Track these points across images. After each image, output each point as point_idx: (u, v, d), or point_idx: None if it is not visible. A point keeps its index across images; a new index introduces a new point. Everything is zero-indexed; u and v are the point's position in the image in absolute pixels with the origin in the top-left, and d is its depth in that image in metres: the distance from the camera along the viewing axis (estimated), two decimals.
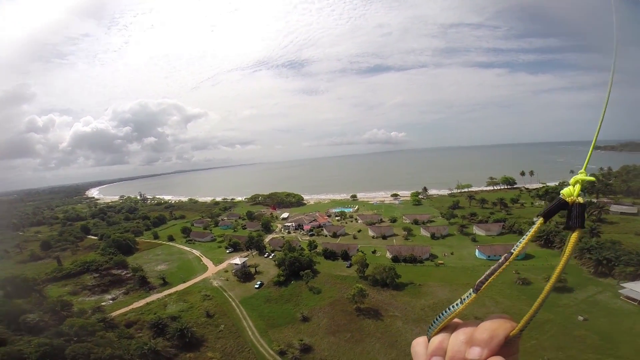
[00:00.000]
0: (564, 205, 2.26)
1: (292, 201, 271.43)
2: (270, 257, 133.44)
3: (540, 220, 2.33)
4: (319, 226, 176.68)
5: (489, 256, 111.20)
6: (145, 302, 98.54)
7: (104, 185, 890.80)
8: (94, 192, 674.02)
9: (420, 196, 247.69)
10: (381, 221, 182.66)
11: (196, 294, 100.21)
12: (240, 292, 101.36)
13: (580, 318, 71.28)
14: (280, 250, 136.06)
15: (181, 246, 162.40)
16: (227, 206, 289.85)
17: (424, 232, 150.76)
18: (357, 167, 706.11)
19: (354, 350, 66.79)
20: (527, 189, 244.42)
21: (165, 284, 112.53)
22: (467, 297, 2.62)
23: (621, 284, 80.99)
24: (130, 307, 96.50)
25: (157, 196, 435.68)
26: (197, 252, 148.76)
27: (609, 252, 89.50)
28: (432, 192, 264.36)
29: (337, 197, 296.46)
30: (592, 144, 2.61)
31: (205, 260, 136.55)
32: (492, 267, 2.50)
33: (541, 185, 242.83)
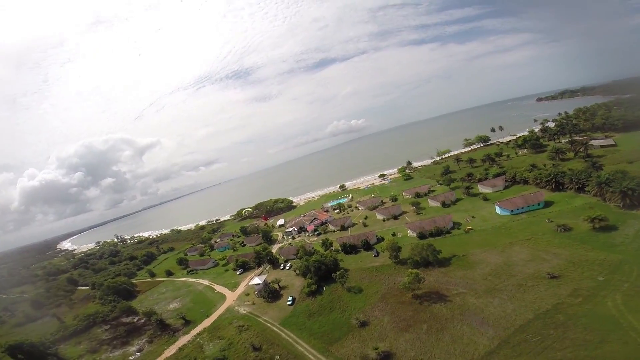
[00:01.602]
0: None
1: (282, 207, 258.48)
2: (287, 267, 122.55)
3: None
4: (323, 223, 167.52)
5: (512, 210, 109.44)
6: (177, 348, 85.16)
7: (75, 236, 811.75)
8: (66, 244, 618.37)
9: (407, 170, 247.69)
10: (383, 203, 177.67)
11: (228, 327, 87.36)
12: (276, 314, 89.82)
13: None
14: (295, 258, 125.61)
15: (185, 279, 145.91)
16: (215, 228, 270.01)
17: (432, 203, 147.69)
18: (331, 160, 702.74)
19: (442, 340, 59.23)
20: (501, 142, 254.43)
21: (187, 323, 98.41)
22: None
23: None
24: (163, 356, 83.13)
25: (136, 235, 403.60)
26: (205, 281, 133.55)
27: (629, 181, 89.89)
28: (417, 164, 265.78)
29: (325, 191, 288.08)
30: None
31: (218, 288, 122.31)
32: None
33: (512, 137, 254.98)
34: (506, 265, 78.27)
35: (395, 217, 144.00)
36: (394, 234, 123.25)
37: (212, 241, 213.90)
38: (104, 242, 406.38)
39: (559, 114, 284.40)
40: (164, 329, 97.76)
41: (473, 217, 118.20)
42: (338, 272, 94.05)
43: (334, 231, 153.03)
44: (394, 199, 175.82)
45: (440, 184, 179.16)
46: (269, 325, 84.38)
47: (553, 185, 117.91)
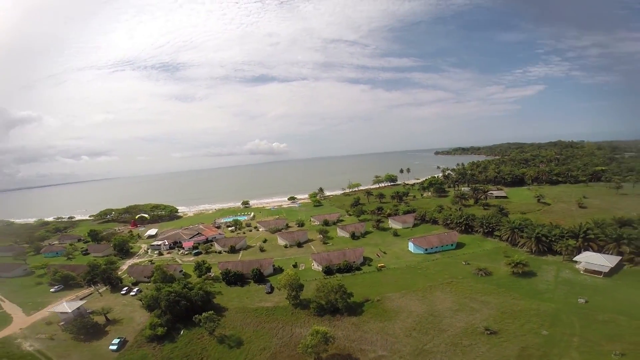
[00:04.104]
0: None
1: (162, 215, 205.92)
2: (133, 293, 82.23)
3: None
4: (207, 241, 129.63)
5: (426, 249, 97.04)
6: None
7: None
8: None
9: (319, 196, 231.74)
10: (287, 226, 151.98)
11: None
12: None
13: (582, 300, 61.65)
14: (149, 282, 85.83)
15: None
16: (62, 227, 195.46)
17: (341, 233, 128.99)
18: (242, 177, 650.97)
19: None
20: (407, 184, 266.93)
21: None
22: None
23: (574, 259, 78.02)
24: None
25: None
26: None
27: (541, 228, 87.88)
28: (328, 193, 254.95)
29: (226, 206, 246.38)
30: None
31: (8, 306, 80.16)
32: None
33: (417, 180, 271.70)
34: (431, 316, 59.69)
35: (300, 245, 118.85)
36: (295, 265, 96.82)
37: (46, 243, 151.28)
38: None
39: (457, 164, 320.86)
40: None
41: (384, 252, 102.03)
42: (204, 314, 60.22)
43: (220, 252, 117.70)
44: (301, 224, 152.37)
45: (350, 215, 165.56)
46: None
47: (463, 228, 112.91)
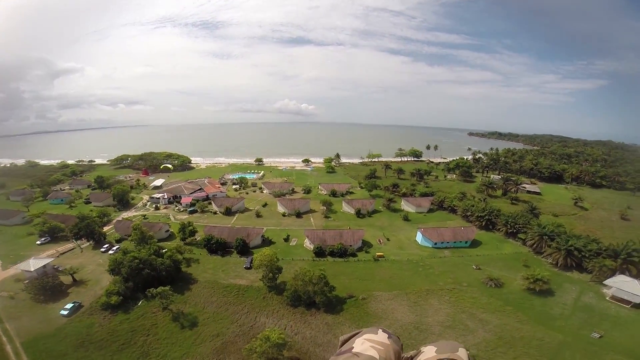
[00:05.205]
0: None
1: (175, 164, 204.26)
2: (112, 252, 79.20)
3: None
4: (206, 198, 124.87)
5: (435, 243, 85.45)
6: None
7: None
8: None
9: (333, 163, 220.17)
10: (293, 191, 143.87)
11: None
12: (34, 324, 52.10)
13: (596, 335, 51.77)
14: (129, 240, 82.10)
15: None
16: (79, 171, 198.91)
17: (346, 208, 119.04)
18: (267, 134, 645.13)
19: None
20: (432, 162, 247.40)
21: None
22: None
23: (605, 282, 64.14)
24: None
25: None
26: None
27: (575, 240, 72.96)
28: (344, 160, 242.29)
29: (240, 161, 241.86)
30: None
31: None
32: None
33: (443, 160, 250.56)
34: (416, 330, 50.90)
35: (299, 215, 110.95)
36: (286, 239, 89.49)
37: (56, 187, 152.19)
38: None
39: (491, 148, 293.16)
40: None
41: (388, 239, 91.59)
42: (159, 289, 54.47)
43: (215, 213, 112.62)
44: (307, 191, 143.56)
45: (362, 187, 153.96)
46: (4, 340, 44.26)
47: (484, 223, 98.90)
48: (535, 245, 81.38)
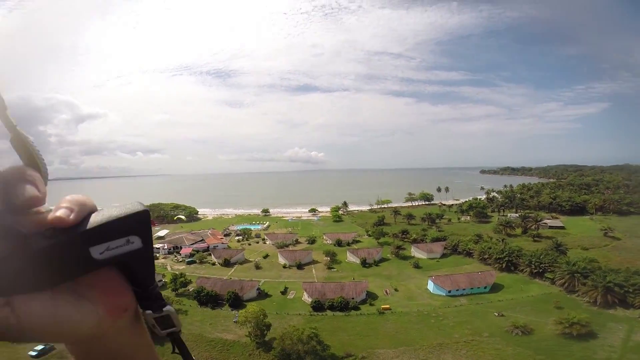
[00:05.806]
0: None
1: (183, 215, 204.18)
2: None
3: None
4: (207, 249, 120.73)
5: (449, 291, 76.13)
6: None
7: None
8: None
9: (340, 211, 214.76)
10: (297, 242, 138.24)
11: None
12: None
13: None
14: None
15: None
16: None
17: (351, 258, 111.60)
18: (276, 183, 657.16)
19: None
20: (443, 204, 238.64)
21: None
22: None
23: None
24: None
25: None
26: None
27: (614, 275, 63.43)
28: (352, 208, 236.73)
29: (247, 212, 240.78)
30: None
31: None
32: None
33: (456, 201, 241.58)
34: None
35: (300, 266, 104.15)
36: (284, 291, 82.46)
37: None
38: None
39: (505, 185, 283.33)
40: None
41: (395, 289, 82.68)
42: None
43: (213, 264, 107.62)
44: (311, 241, 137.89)
45: (369, 235, 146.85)
46: None
47: (504, 265, 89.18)
48: (566, 284, 71.18)
